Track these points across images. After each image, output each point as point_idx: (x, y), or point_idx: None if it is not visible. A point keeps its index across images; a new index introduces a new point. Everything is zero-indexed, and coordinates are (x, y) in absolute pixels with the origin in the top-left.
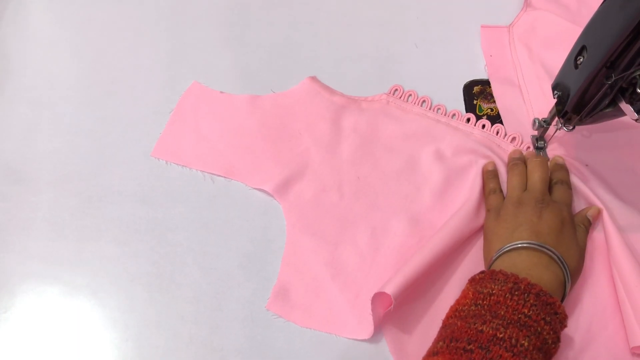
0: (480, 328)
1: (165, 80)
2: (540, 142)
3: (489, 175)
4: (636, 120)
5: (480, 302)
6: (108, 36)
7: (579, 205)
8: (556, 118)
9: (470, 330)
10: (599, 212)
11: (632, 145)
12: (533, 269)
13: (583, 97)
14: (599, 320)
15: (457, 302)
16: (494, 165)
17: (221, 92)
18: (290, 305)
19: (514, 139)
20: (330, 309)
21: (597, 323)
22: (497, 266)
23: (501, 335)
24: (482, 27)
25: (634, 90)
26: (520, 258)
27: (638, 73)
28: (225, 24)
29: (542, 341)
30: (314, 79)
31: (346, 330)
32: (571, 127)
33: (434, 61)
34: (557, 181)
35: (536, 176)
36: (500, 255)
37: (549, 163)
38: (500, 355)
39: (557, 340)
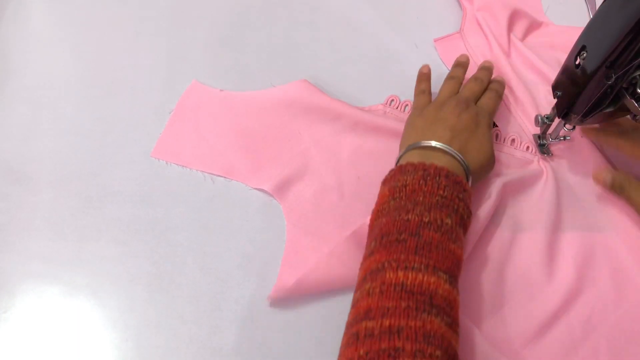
0: (406, 217)
1: (165, 80)
2: (542, 139)
3: (422, 77)
4: (637, 119)
5: (398, 194)
6: (108, 36)
7: (577, 201)
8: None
9: (398, 222)
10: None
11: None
12: (438, 159)
13: (583, 97)
14: (600, 312)
15: (377, 204)
16: (429, 69)
17: (221, 90)
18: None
19: (513, 140)
20: None
21: (597, 315)
22: (404, 160)
23: (427, 219)
24: (435, 41)
25: (634, 90)
26: (425, 152)
27: (638, 73)
28: (225, 24)
29: (460, 217)
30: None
31: None
32: (572, 127)
33: (434, 61)
34: (490, 89)
35: (467, 87)
36: (410, 150)
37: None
38: (432, 237)
39: (470, 213)
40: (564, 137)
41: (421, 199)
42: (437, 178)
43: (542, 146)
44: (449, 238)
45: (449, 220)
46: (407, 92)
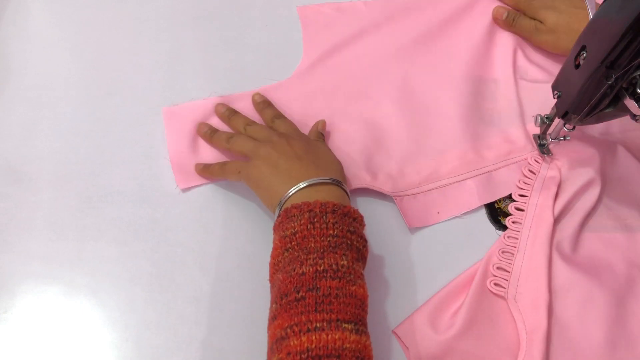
0: (300, 271)
1: (165, 80)
2: (542, 139)
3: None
4: (636, 119)
5: (289, 245)
6: (108, 36)
7: (578, 201)
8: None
9: (293, 278)
10: (325, 123)
11: (632, 145)
12: (318, 194)
13: (583, 97)
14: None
15: (271, 255)
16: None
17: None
18: None
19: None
20: None
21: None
22: (288, 202)
23: (322, 268)
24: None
25: (634, 90)
26: (302, 191)
27: (638, 73)
28: (225, 24)
29: (355, 251)
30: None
31: None
32: (571, 127)
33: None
34: (272, 118)
35: (253, 130)
36: (289, 197)
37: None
38: (330, 287)
39: (365, 242)
40: (564, 137)
41: (312, 244)
42: (325, 217)
43: (542, 146)
44: (347, 281)
45: (344, 262)
46: None
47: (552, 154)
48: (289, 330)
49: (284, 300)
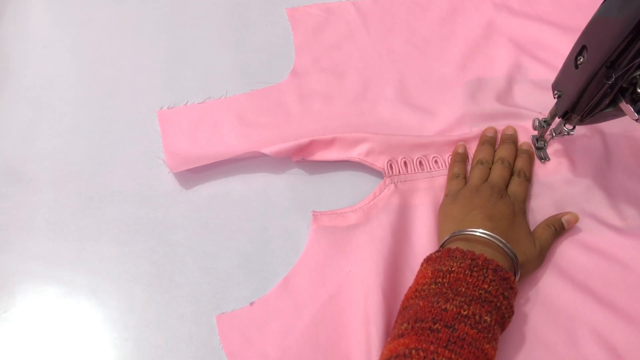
0: (444, 306)
1: (165, 80)
2: (540, 142)
3: (457, 157)
4: (636, 120)
5: (440, 280)
6: (108, 36)
7: (578, 202)
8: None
9: (434, 310)
10: (575, 219)
11: (632, 145)
12: (486, 250)
13: (583, 97)
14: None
15: (416, 281)
16: (465, 148)
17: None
18: None
19: None
20: None
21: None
22: (452, 245)
23: (465, 313)
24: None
25: (634, 90)
26: (470, 242)
27: (638, 73)
28: (225, 24)
29: (501, 315)
30: None
31: None
32: (571, 127)
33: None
34: (517, 171)
35: (497, 173)
36: (454, 240)
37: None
38: (466, 333)
39: (512, 313)
40: (568, 132)
41: (464, 289)
42: (485, 271)
43: (539, 150)
44: (484, 337)
45: (488, 318)
46: None
47: (549, 159)
48: (414, 351)
49: (417, 325)
